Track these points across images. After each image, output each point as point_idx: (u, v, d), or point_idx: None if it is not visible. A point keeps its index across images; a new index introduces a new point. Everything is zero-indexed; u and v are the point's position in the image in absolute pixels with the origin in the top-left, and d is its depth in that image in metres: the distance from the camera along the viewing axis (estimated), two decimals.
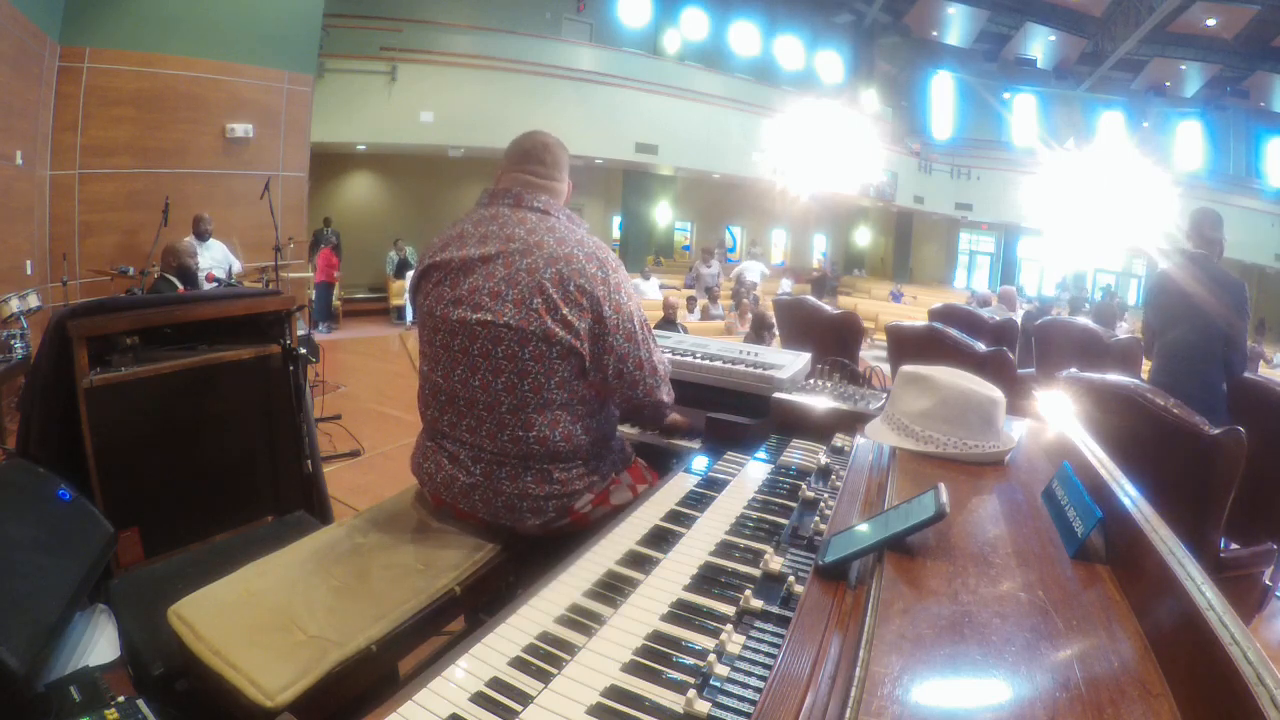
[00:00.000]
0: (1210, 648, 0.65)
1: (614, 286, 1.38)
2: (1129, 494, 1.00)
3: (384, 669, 1.20)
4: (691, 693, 0.77)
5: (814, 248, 18.92)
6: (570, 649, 0.89)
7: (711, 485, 1.40)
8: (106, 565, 1.75)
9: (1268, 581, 2.34)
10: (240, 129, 7.09)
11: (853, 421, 1.61)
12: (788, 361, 1.88)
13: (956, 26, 16.38)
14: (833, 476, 1.35)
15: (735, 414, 1.74)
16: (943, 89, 17.22)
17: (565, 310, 1.33)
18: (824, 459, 1.41)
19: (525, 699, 0.81)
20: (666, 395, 1.54)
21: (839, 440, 1.53)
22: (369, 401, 5.54)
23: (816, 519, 1.16)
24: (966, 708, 0.69)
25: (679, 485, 1.41)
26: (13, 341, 3.75)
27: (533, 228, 1.39)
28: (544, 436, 1.38)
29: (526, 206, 1.43)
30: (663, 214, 14.69)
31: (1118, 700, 0.68)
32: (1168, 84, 15.72)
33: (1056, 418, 1.50)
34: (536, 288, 1.32)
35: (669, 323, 6.67)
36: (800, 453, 1.54)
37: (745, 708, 0.76)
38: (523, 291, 1.33)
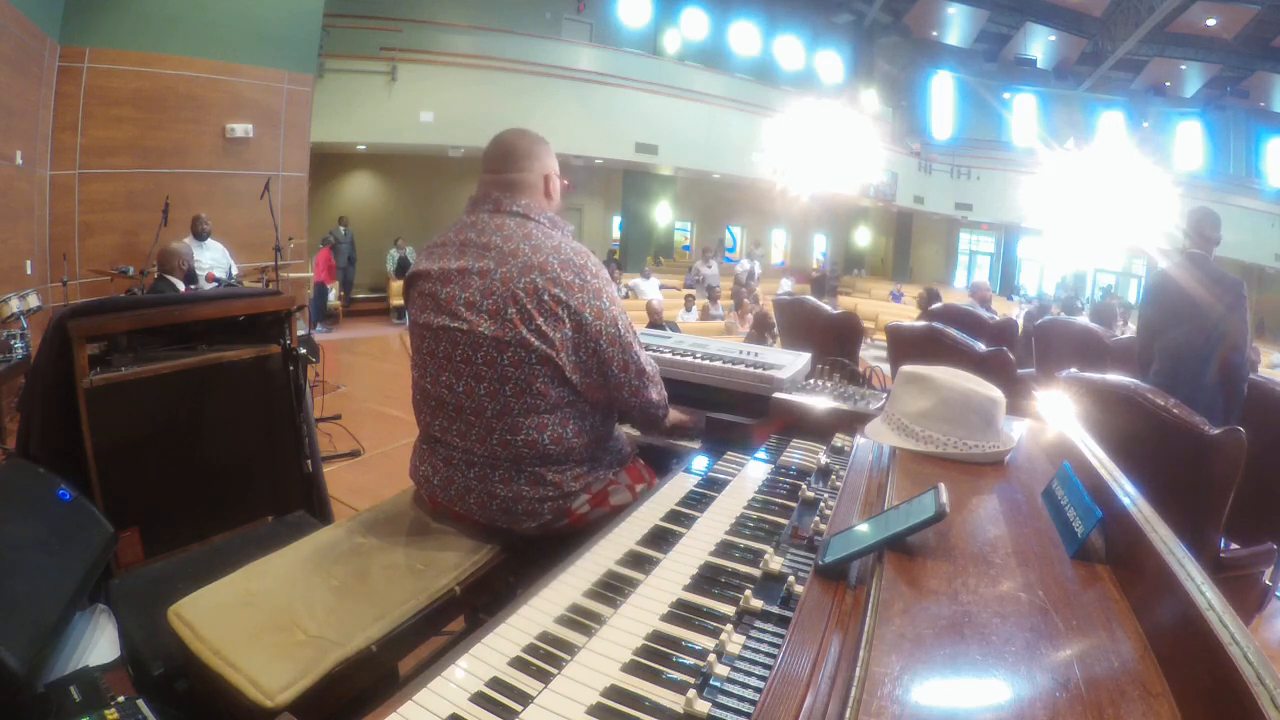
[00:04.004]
0: (1210, 648, 0.65)
1: (593, 292, 1.37)
2: (1129, 494, 1.00)
3: (384, 669, 1.20)
4: (691, 693, 0.77)
5: (814, 248, 18.91)
6: (570, 649, 0.89)
7: (711, 485, 1.40)
8: (106, 565, 1.75)
9: (1268, 581, 2.34)
10: (240, 129, 7.09)
11: (853, 421, 1.61)
12: (788, 361, 1.88)
13: (956, 26, 16.37)
14: (833, 476, 1.35)
15: (735, 414, 1.74)
16: (943, 89, 17.21)
17: (540, 320, 1.32)
18: (824, 459, 1.41)
19: (525, 699, 0.81)
20: (656, 395, 1.53)
21: (839, 440, 1.53)
22: (369, 401, 5.54)
23: (816, 519, 1.15)
24: (966, 708, 0.69)
25: (679, 485, 1.41)
26: (13, 341, 3.75)
27: (510, 235, 1.38)
28: (532, 440, 1.38)
29: (505, 211, 1.42)
30: (663, 214, 14.68)
31: (1118, 700, 0.68)
32: (1168, 84, 15.72)
33: (1056, 418, 1.50)
34: (511, 298, 1.32)
35: (656, 326, 6.68)
36: (800, 453, 1.54)
37: (745, 708, 0.76)
38: (497, 302, 1.33)
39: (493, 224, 1.41)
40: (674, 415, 1.71)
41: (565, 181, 1.55)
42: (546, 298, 1.33)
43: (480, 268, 1.36)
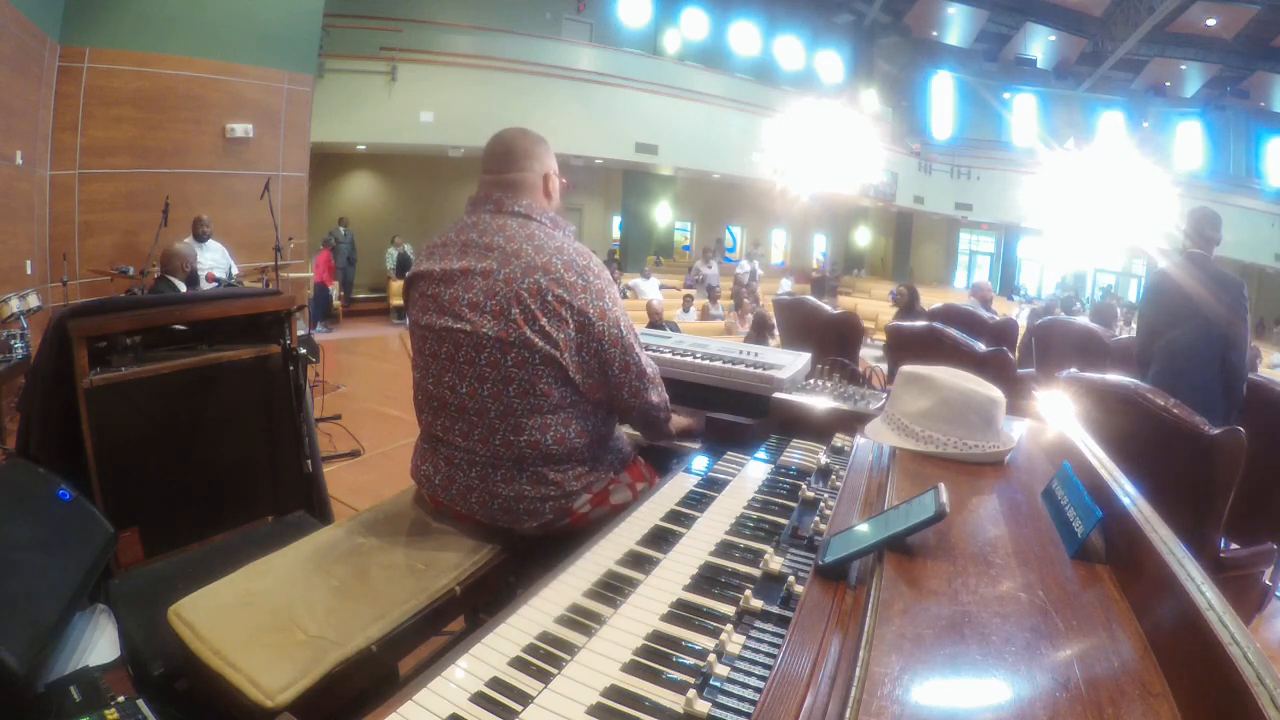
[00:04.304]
0: (1210, 648, 0.65)
1: (596, 293, 1.37)
2: (1129, 494, 1.00)
3: (384, 669, 1.20)
4: (691, 693, 0.77)
5: (814, 248, 18.91)
6: (570, 649, 0.89)
7: (711, 485, 1.40)
8: (106, 565, 1.75)
9: (1268, 581, 2.35)
10: (240, 129, 7.09)
11: (853, 421, 1.61)
12: (788, 361, 1.88)
13: (956, 26, 16.37)
14: (833, 476, 1.34)
15: (735, 414, 1.74)
16: (943, 89, 17.21)
17: (544, 321, 1.32)
18: (824, 459, 1.41)
19: (525, 699, 0.81)
20: (656, 397, 1.52)
21: (839, 440, 1.52)
22: (369, 401, 5.54)
23: (816, 519, 1.15)
24: (966, 708, 0.69)
25: (679, 485, 1.41)
26: (13, 341, 3.75)
27: (512, 235, 1.38)
28: (535, 440, 1.38)
29: (507, 212, 1.42)
30: (663, 214, 14.68)
31: (1118, 700, 0.68)
32: (1168, 84, 15.71)
33: (1056, 418, 1.50)
34: (514, 298, 1.32)
35: (656, 326, 6.69)
36: (800, 453, 1.53)
37: (745, 708, 0.76)
38: (501, 302, 1.33)
39: (495, 224, 1.41)
40: (677, 420, 1.71)
41: (564, 181, 1.55)
42: (550, 298, 1.33)
43: (483, 268, 1.36)
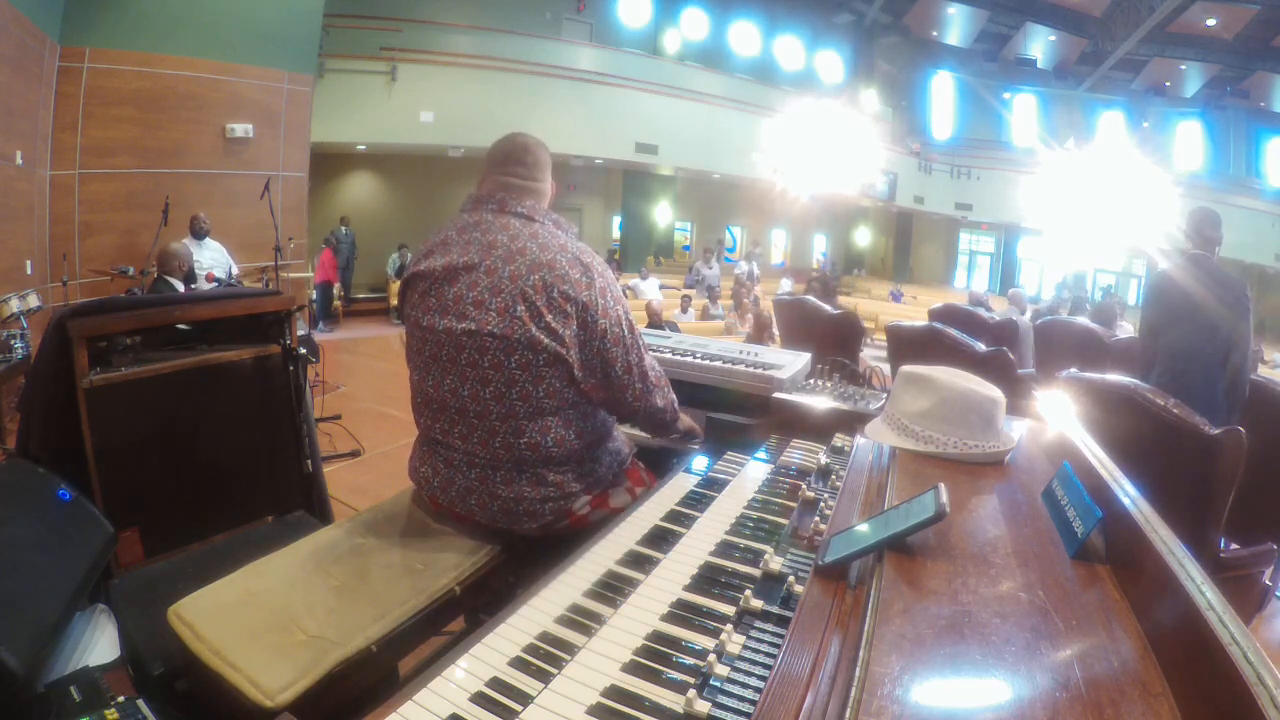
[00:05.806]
0: (1210, 648, 0.65)
1: (599, 291, 1.37)
2: (1129, 494, 1.00)
3: (384, 669, 1.20)
4: (691, 693, 0.77)
5: (814, 248, 18.92)
6: (570, 649, 0.89)
7: (711, 485, 1.40)
8: (106, 565, 1.75)
9: (1268, 581, 2.34)
10: (240, 129, 7.09)
11: (853, 421, 1.61)
12: (788, 361, 1.88)
13: (956, 26, 16.36)
14: (833, 476, 1.34)
15: (735, 414, 1.74)
16: (943, 89, 17.21)
17: (549, 317, 1.32)
18: (824, 459, 1.41)
19: (525, 699, 0.81)
20: (661, 400, 1.52)
21: (839, 440, 1.52)
22: (369, 401, 5.54)
23: (816, 519, 1.15)
24: (966, 707, 0.69)
25: (679, 485, 1.41)
26: (13, 341, 3.75)
27: (516, 234, 1.37)
28: (535, 442, 1.38)
29: (510, 212, 1.41)
30: (663, 214, 14.68)
31: (1118, 700, 0.68)
32: (1168, 84, 15.71)
33: (1056, 418, 1.50)
34: (519, 295, 1.31)
35: (656, 326, 6.69)
36: (800, 453, 1.53)
37: (745, 708, 0.76)
38: (506, 299, 1.32)
39: (498, 223, 1.40)
40: (684, 420, 1.71)
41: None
42: (555, 294, 1.32)
43: (487, 265, 1.35)
